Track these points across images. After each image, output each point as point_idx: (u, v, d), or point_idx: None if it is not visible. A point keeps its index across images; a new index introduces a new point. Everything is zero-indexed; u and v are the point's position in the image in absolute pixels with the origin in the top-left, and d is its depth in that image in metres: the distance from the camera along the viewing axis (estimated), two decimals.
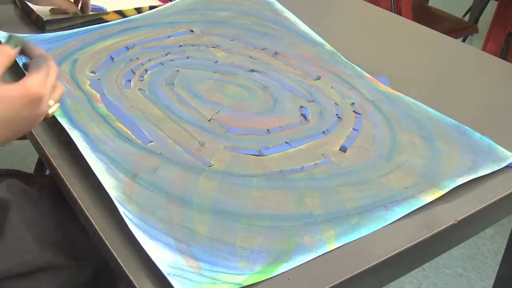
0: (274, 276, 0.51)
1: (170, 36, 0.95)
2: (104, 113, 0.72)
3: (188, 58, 0.88)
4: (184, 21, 1.02)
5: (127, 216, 0.55)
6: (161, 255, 0.51)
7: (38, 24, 0.97)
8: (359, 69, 0.88)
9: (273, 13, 1.06)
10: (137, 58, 0.87)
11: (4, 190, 0.71)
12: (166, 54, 0.89)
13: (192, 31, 0.98)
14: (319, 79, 0.85)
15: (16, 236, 0.66)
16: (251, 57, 0.90)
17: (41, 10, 0.99)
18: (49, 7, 0.99)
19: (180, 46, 0.92)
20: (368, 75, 0.87)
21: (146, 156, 0.65)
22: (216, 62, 0.88)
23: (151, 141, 0.67)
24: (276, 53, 0.92)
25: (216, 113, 0.74)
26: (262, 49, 0.93)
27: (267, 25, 1.02)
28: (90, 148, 0.64)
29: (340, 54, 0.92)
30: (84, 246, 0.68)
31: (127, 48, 0.89)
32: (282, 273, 0.51)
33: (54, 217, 0.70)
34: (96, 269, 0.69)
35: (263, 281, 0.50)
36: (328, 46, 0.95)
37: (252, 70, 0.86)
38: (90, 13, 1.00)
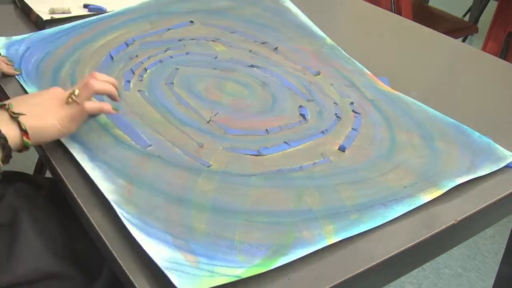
0: (273, 275, 0.51)
1: (169, 29, 0.95)
2: (103, 121, 0.71)
3: (187, 53, 0.88)
4: (183, 11, 1.01)
5: (124, 217, 0.55)
6: (159, 251, 0.51)
7: (38, 24, 0.97)
8: (359, 64, 0.88)
9: (274, 3, 1.06)
10: (137, 55, 0.86)
11: (13, 196, 0.71)
12: (166, 50, 0.89)
13: (192, 22, 0.97)
14: (319, 74, 0.85)
15: (28, 243, 0.66)
16: (251, 51, 0.90)
17: (41, 10, 0.99)
18: (49, 7, 0.99)
19: (180, 40, 0.92)
20: (368, 71, 0.86)
21: (145, 160, 0.64)
22: (215, 58, 0.88)
23: (150, 145, 0.67)
24: (276, 48, 0.91)
25: (215, 115, 0.74)
26: (262, 43, 0.93)
27: (267, 17, 1.01)
28: (88, 157, 0.64)
29: (340, 48, 0.92)
30: (95, 258, 0.68)
31: (127, 45, 0.89)
32: (282, 270, 0.51)
33: (64, 226, 0.70)
34: (107, 282, 0.69)
35: (262, 278, 0.50)
36: (329, 40, 0.95)
37: (252, 66, 0.86)
38: (89, 13, 1.00)
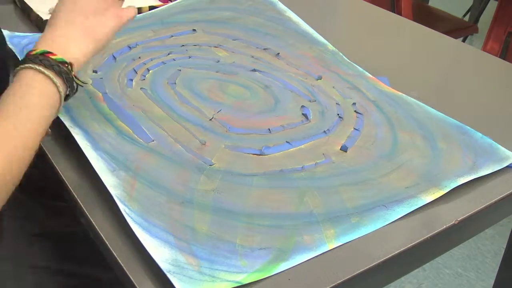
0: (274, 275, 0.51)
1: (172, 36, 0.95)
2: (105, 112, 0.72)
3: (190, 57, 0.89)
4: (186, 21, 1.02)
5: (127, 214, 0.55)
6: (161, 252, 0.51)
7: (37, 24, 0.98)
8: (360, 69, 0.88)
9: (275, 12, 1.06)
10: (139, 57, 0.87)
11: None
12: (168, 54, 0.89)
13: (194, 30, 0.98)
14: (320, 79, 0.85)
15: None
16: (253, 56, 0.90)
17: (41, 10, 0.99)
18: (49, 7, 0.99)
19: (182, 45, 0.92)
20: (369, 75, 0.87)
21: (147, 154, 0.65)
22: (218, 61, 0.88)
23: (153, 140, 0.67)
24: (278, 53, 0.92)
25: (218, 112, 0.74)
26: (264, 49, 0.93)
27: (269, 25, 1.02)
28: (91, 146, 0.64)
29: (342, 54, 0.92)
30: None
31: (129, 48, 0.89)
32: (282, 272, 0.51)
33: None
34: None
35: (263, 280, 0.50)
36: (330, 46, 0.95)
37: (254, 70, 0.86)
38: None
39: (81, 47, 0.60)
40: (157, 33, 0.96)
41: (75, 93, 0.60)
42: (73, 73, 0.58)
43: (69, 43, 0.59)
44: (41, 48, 0.57)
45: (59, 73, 0.55)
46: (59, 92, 0.56)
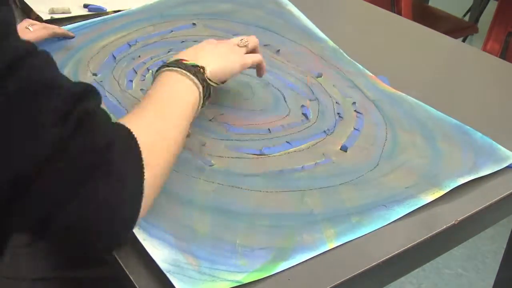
0: (274, 275, 0.51)
1: (172, 31, 0.95)
2: None
3: None
4: (186, 13, 1.01)
5: None
6: (160, 253, 0.51)
7: None
8: (361, 67, 0.88)
9: (276, 6, 1.06)
10: (139, 56, 0.86)
11: None
12: (168, 51, 0.89)
13: (194, 24, 0.98)
14: (320, 76, 0.85)
15: None
16: None
17: (41, 10, 0.99)
18: (49, 7, 0.99)
19: (182, 42, 0.92)
20: (370, 73, 0.86)
21: None
22: None
23: None
24: (278, 50, 0.91)
25: (220, 115, 0.74)
26: (264, 45, 0.93)
27: (270, 19, 1.01)
28: None
29: (342, 51, 0.92)
30: None
31: (129, 45, 0.89)
32: (282, 271, 0.51)
33: None
34: None
35: (263, 279, 0.50)
36: (331, 43, 0.95)
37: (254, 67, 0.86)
38: (89, 13, 1.00)
39: (211, 59, 0.66)
40: (156, 27, 0.95)
41: (209, 97, 0.65)
42: (206, 75, 0.64)
43: (199, 54, 0.67)
44: (173, 58, 0.65)
45: (194, 74, 0.62)
46: (198, 89, 0.62)
